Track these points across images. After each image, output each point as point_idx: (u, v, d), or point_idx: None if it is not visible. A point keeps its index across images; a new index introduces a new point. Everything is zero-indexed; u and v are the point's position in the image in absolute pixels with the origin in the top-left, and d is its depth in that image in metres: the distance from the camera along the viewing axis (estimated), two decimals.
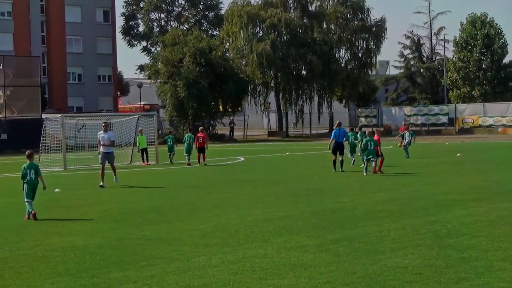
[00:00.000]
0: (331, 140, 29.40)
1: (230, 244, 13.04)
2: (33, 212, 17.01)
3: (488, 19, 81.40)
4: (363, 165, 27.72)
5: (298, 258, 11.53)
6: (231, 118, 77.53)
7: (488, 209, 16.53)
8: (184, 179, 28.06)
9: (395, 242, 12.63)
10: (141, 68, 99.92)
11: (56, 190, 23.54)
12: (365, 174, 26.89)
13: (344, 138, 29.71)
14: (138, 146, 38.29)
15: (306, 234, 13.83)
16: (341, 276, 10.20)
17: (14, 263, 11.91)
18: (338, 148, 28.94)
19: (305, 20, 79.07)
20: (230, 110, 74.76)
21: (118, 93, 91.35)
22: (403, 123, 51.76)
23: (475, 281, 9.71)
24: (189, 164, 35.37)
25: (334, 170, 28.49)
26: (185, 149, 36.28)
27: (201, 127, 41.10)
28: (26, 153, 17.77)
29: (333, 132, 29.74)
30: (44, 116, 50.55)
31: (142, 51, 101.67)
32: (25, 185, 17.40)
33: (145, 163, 37.51)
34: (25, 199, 17.25)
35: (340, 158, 28.87)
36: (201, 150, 35.53)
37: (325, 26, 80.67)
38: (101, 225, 15.91)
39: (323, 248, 12.30)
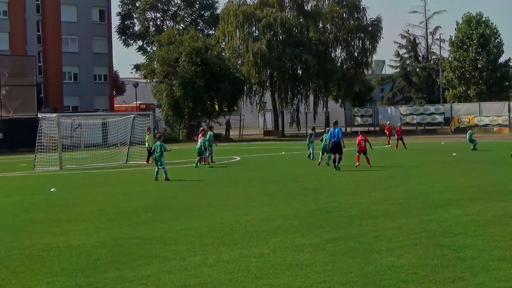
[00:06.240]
0: (327, 140, 29.62)
1: (226, 243, 13.02)
2: (160, 172, 26.69)
3: (483, 19, 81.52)
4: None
5: (294, 258, 11.52)
6: (227, 118, 77.50)
7: (483, 209, 16.53)
8: (179, 179, 28.02)
9: (390, 242, 12.62)
10: (137, 67, 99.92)
11: (52, 190, 23.52)
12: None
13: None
14: (147, 145, 37.50)
15: (301, 233, 13.82)
16: (337, 276, 10.20)
17: (9, 262, 11.89)
18: (335, 147, 29.21)
19: (301, 20, 79.06)
20: (226, 109, 74.75)
21: (114, 92, 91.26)
22: (387, 122, 52.12)
23: (470, 281, 9.71)
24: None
25: (335, 169, 28.66)
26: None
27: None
28: (157, 136, 28.95)
29: (329, 131, 29.89)
30: (39, 115, 50.43)
31: (138, 51, 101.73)
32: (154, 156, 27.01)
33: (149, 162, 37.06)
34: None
35: (338, 156, 29.06)
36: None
37: (321, 25, 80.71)
38: (97, 224, 15.88)
39: (318, 248, 12.29)
